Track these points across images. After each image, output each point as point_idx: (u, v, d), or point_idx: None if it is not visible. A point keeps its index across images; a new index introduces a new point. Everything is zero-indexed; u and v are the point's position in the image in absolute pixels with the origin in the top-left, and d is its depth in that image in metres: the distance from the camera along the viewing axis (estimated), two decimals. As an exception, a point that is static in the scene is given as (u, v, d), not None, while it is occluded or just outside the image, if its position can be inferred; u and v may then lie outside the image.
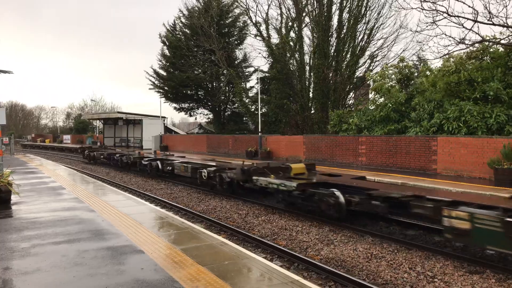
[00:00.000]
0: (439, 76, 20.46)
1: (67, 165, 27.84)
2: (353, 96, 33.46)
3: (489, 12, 16.16)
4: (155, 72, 42.31)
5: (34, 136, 75.68)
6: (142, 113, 45.82)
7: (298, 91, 32.44)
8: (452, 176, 15.19)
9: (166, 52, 42.16)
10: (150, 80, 42.48)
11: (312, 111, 32.44)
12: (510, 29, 16.93)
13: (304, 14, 32.57)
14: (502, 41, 17.91)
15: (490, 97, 17.14)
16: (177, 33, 42.27)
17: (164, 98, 42.82)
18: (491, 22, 16.21)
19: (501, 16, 16.41)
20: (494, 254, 7.08)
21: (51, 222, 7.99)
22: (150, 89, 43.04)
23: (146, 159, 20.73)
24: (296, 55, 33.15)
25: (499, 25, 16.27)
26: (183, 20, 41.69)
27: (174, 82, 40.05)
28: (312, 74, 32.37)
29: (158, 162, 19.44)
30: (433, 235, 8.85)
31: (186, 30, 41.32)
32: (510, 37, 17.43)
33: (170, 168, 18.12)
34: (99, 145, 42.77)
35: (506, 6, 15.91)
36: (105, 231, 7.19)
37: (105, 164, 28.17)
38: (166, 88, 41.65)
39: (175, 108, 44.14)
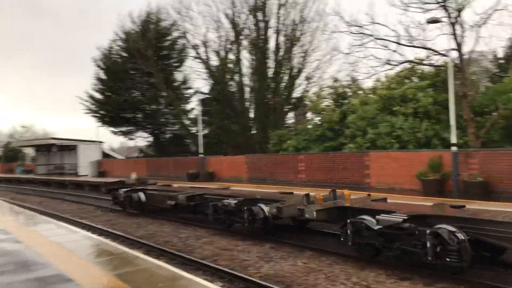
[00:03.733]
0: (371, 96, 21.71)
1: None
2: (292, 116, 34.39)
3: (410, 35, 17.47)
4: (91, 96, 40.95)
5: (-44, 167, 69.67)
6: (79, 138, 43.97)
7: (239, 112, 32.80)
8: (386, 189, 15.96)
9: (102, 75, 41.04)
10: (85, 105, 41.03)
11: (254, 131, 32.88)
12: (430, 50, 18.33)
13: (242, 37, 33.27)
14: (424, 62, 19.38)
15: (420, 113, 18.40)
16: (113, 56, 41.35)
17: (101, 123, 41.45)
18: (412, 44, 17.52)
19: (421, 39, 17.79)
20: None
21: (-28, 257, 7.38)
22: (86, 113, 41.51)
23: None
24: (236, 77, 33.62)
25: (420, 47, 17.64)
26: (120, 43, 40.95)
27: (111, 106, 38.99)
28: (252, 95, 32.95)
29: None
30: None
31: (123, 53, 40.57)
32: (430, 58, 18.89)
33: None
34: (135, 178, 23.53)
35: (424, 30, 17.31)
36: (32, 262, 6.76)
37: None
38: (102, 112, 40.40)
39: (112, 132, 42.84)
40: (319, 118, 23.69)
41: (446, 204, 8.84)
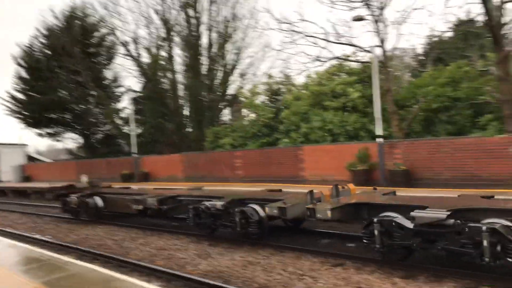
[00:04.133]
0: (303, 91, 22.36)
1: None
2: (228, 112, 34.50)
3: (337, 33, 18.23)
4: (12, 96, 38.17)
5: None
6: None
7: (173, 110, 32.26)
8: (319, 180, 16.54)
9: (24, 74, 38.38)
10: (6, 106, 38.19)
11: (189, 129, 32.54)
12: (356, 47, 19.22)
13: (173, 34, 32.69)
14: (351, 58, 20.29)
15: (349, 107, 19.27)
16: (35, 53, 38.80)
17: (25, 124, 38.79)
18: (339, 41, 18.28)
19: (347, 36, 18.64)
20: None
21: None
22: (7, 114, 38.60)
23: None
24: (169, 74, 33.00)
25: (346, 44, 18.44)
26: (42, 40, 38.51)
27: (35, 106, 36.64)
28: (186, 92, 32.56)
29: None
30: (301, 236, 9.55)
31: (46, 50, 38.20)
32: (356, 54, 19.83)
33: None
34: (86, 182, 21.54)
35: (351, 27, 18.17)
36: None
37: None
38: (25, 113, 37.83)
39: (38, 134, 40.27)
40: (254, 114, 23.99)
41: (474, 195, 8.05)
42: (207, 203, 9.83)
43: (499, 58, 14.95)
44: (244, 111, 27.52)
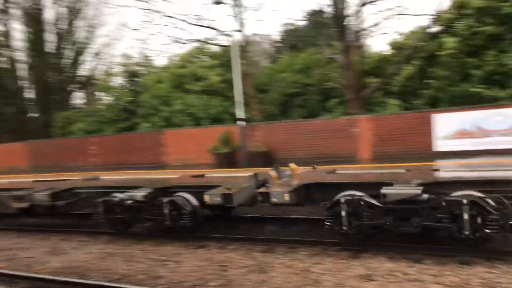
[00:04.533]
0: (163, 74, 21.69)
1: None
2: (81, 96, 31.78)
3: (197, 15, 18.09)
4: None
5: None
6: None
7: (14, 91, 28.35)
8: (181, 165, 16.33)
9: None
10: None
11: (34, 114, 29.05)
12: (216, 31, 19.32)
13: (11, 5, 28.52)
14: (213, 41, 20.35)
15: (211, 91, 19.35)
16: None
17: None
18: (199, 24, 18.17)
19: (208, 20, 18.65)
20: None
21: None
22: None
23: None
24: (6, 51, 28.78)
25: (207, 26, 18.43)
26: None
27: None
28: (29, 72, 28.87)
29: None
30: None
31: None
32: (217, 38, 19.95)
33: None
34: None
35: (211, 10, 18.19)
36: None
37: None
38: None
39: None
40: (111, 98, 22.52)
41: (424, 168, 7.67)
42: (121, 195, 8.26)
43: (342, 48, 16.55)
44: (100, 94, 25.64)
